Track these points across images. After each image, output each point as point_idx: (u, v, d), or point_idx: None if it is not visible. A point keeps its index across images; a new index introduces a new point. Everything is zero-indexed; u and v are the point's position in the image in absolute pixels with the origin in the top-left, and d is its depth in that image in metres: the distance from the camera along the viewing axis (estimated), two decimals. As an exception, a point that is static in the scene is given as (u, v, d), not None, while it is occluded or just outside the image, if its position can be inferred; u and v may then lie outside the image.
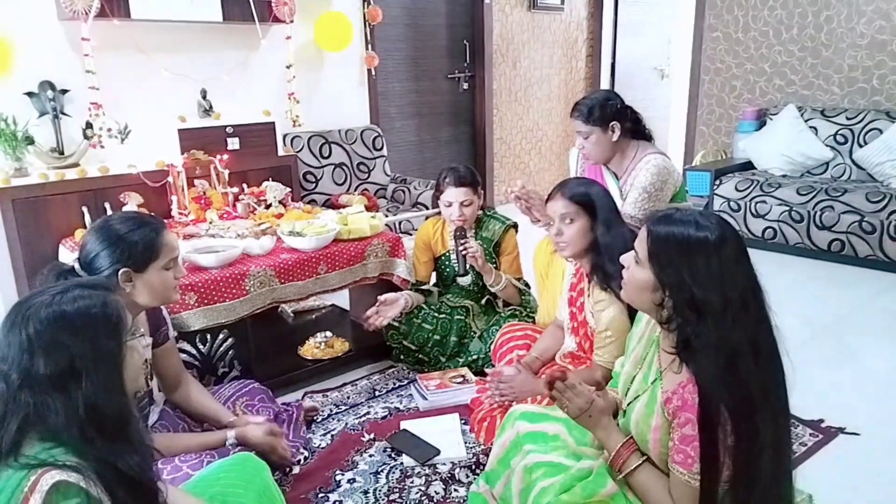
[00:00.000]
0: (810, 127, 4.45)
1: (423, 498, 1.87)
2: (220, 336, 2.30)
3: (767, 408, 1.20)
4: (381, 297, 2.57)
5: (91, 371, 1.05)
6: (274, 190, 3.01)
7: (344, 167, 3.94)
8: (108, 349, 1.09)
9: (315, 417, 2.31)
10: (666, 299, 1.25)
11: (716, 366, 1.19)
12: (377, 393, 2.50)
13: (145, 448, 1.13)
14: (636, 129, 2.47)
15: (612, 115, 2.38)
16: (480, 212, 2.68)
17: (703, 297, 1.19)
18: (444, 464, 2.01)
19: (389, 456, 2.07)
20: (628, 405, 1.42)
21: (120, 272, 1.63)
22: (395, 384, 2.57)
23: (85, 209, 2.79)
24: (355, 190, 3.92)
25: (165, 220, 2.77)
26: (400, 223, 3.60)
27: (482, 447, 2.08)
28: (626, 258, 1.36)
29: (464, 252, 2.50)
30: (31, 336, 1.04)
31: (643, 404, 1.35)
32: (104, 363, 1.08)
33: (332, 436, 2.20)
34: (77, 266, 1.64)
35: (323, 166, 3.83)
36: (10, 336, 1.05)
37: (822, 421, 2.22)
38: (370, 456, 2.08)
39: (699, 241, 1.22)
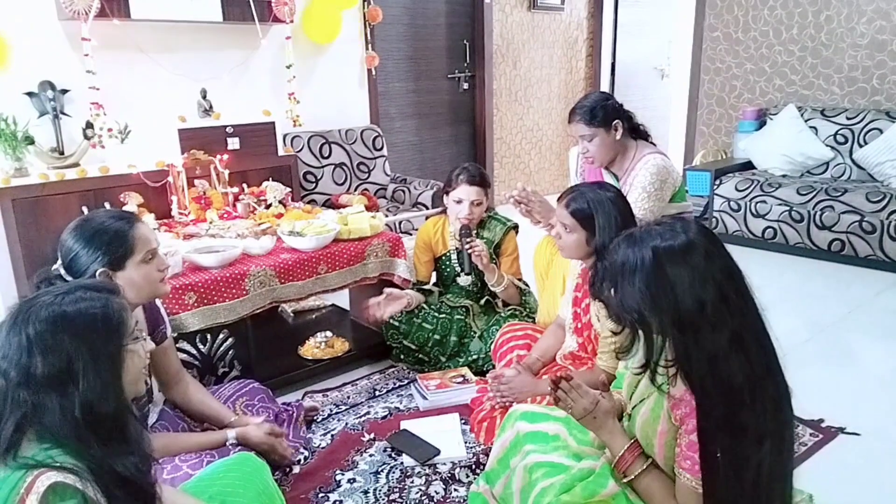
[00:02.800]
0: (810, 127, 4.45)
1: (423, 498, 1.87)
2: (220, 336, 2.29)
3: (761, 399, 1.19)
4: (388, 291, 2.58)
5: (88, 373, 1.06)
6: (274, 190, 3.01)
7: (344, 167, 3.93)
8: (106, 352, 1.09)
9: (315, 417, 2.31)
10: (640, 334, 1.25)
11: (700, 374, 1.19)
12: (377, 393, 2.50)
13: (143, 450, 1.13)
14: (633, 128, 2.47)
15: (614, 115, 2.37)
16: (484, 213, 2.68)
17: (674, 319, 1.19)
18: (444, 464, 2.01)
19: (389, 456, 2.07)
20: (633, 409, 1.41)
21: (98, 273, 1.59)
22: (395, 384, 2.57)
23: (85, 209, 2.78)
24: (355, 190, 3.92)
25: (166, 220, 2.81)
26: (400, 223, 3.60)
27: (482, 447, 2.08)
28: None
29: (469, 250, 2.50)
30: (31, 336, 1.05)
31: (648, 409, 1.35)
32: (102, 366, 1.08)
33: (332, 436, 2.20)
34: (62, 271, 1.62)
35: (323, 166, 3.83)
36: (11, 334, 1.06)
37: (822, 421, 2.22)
38: (370, 456, 2.08)
39: (651, 265, 1.21)
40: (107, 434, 1.06)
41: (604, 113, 2.35)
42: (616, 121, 2.37)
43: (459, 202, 2.57)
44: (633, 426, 1.40)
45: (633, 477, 1.34)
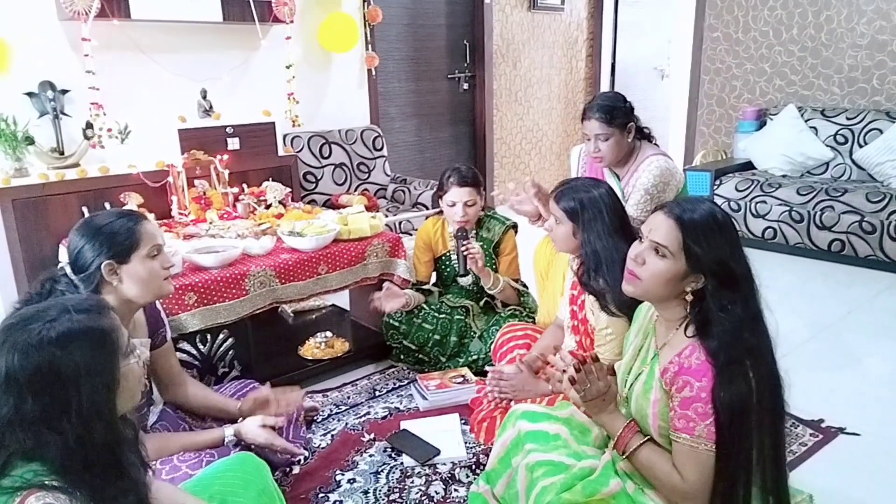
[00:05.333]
0: (810, 127, 4.45)
1: (423, 498, 1.87)
2: (221, 336, 2.30)
3: (762, 358, 1.30)
4: (387, 285, 2.59)
5: (81, 405, 1.01)
6: (274, 190, 3.01)
7: (344, 167, 3.94)
8: (96, 383, 1.04)
9: (315, 417, 2.31)
10: (703, 281, 1.33)
11: (739, 328, 1.28)
12: (377, 393, 2.50)
13: (140, 488, 1.09)
14: (638, 129, 2.47)
15: (629, 116, 2.39)
16: (481, 212, 2.68)
17: (738, 270, 1.32)
18: (444, 464, 2.01)
19: (389, 456, 2.07)
20: (628, 389, 1.49)
21: (103, 265, 1.59)
22: (395, 384, 2.57)
23: (85, 209, 2.79)
24: (355, 190, 3.92)
25: (166, 221, 2.81)
26: (400, 223, 3.60)
27: (482, 447, 2.08)
28: (642, 254, 1.39)
29: (465, 252, 2.50)
30: (18, 371, 1.00)
31: (642, 382, 1.42)
32: (95, 395, 1.03)
33: (332, 436, 2.20)
34: (68, 269, 1.62)
35: (323, 166, 3.83)
36: None
37: (822, 421, 2.22)
38: (370, 456, 2.08)
39: (725, 223, 1.35)
40: (103, 467, 1.03)
41: (621, 114, 2.36)
42: (630, 123, 2.38)
43: (453, 205, 2.57)
44: (629, 410, 1.48)
45: (632, 451, 1.40)
